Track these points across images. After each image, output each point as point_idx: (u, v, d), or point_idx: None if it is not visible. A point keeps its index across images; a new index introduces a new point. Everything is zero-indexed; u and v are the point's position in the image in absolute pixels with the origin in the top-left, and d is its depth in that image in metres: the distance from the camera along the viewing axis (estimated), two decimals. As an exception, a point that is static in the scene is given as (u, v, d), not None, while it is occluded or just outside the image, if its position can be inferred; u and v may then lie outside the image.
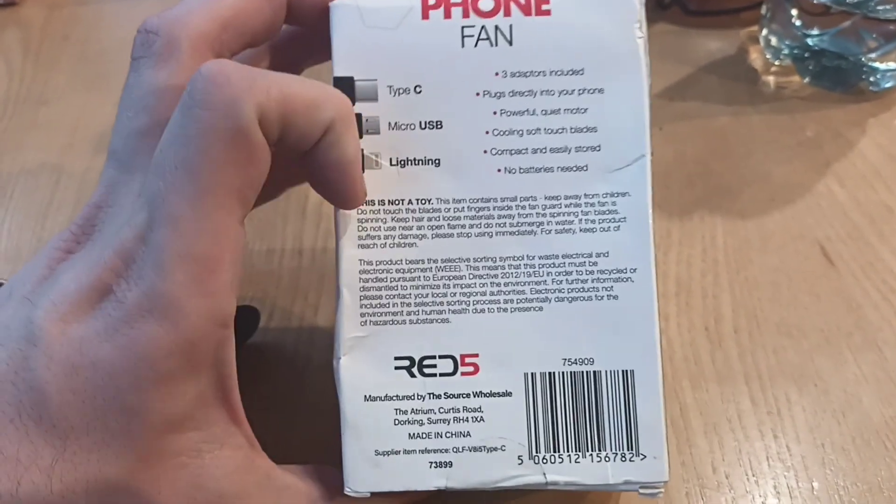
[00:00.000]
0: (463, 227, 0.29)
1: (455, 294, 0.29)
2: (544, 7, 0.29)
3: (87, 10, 0.63)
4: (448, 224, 0.29)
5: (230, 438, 0.27)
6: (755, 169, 0.48)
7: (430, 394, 0.29)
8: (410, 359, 0.29)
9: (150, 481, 0.25)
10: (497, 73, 0.29)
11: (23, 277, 0.26)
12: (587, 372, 0.29)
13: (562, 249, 0.29)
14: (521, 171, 0.29)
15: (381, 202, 0.29)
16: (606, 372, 0.28)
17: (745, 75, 0.55)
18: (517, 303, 0.29)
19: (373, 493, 0.28)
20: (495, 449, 0.28)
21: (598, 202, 0.29)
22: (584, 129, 0.29)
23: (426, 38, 0.29)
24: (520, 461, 0.28)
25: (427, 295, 0.29)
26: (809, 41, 0.51)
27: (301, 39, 0.33)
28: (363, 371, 0.29)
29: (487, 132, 0.29)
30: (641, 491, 0.29)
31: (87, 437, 0.24)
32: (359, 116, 0.28)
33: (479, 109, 0.29)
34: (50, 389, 0.24)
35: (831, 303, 0.41)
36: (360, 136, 0.28)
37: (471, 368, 0.29)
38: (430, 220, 0.29)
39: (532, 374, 0.29)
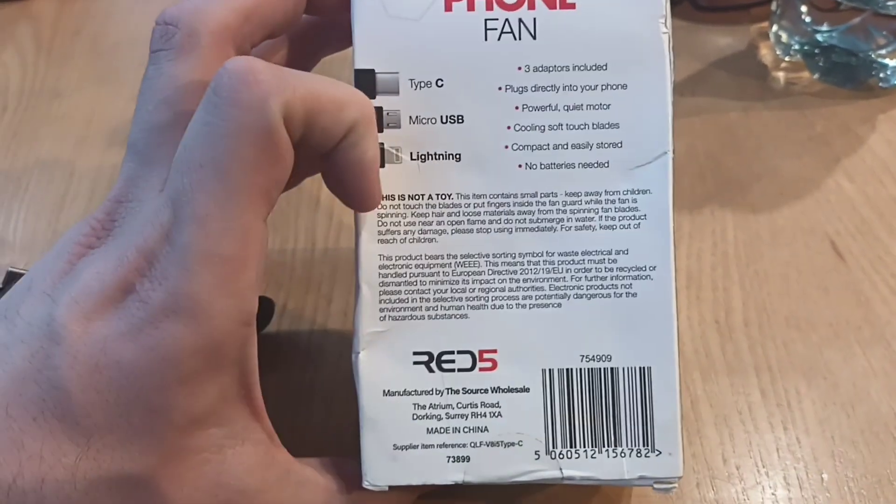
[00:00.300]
0: (483, 222, 0.29)
1: (474, 290, 0.29)
2: (569, 0, 0.28)
3: (99, 3, 0.63)
4: (468, 219, 0.29)
5: (251, 434, 0.27)
6: (765, 164, 0.48)
7: (448, 389, 0.29)
8: (429, 354, 0.29)
9: (174, 478, 0.25)
10: (520, 68, 0.29)
11: (42, 271, 0.26)
12: (605, 369, 0.29)
13: (581, 246, 0.29)
14: (542, 166, 0.29)
15: (402, 197, 0.29)
16: (624, 369, 0.29)
17: (755, 71, 0.55)
18: (536, 299, 0.29)
19: (391, 487, 0.29)
20: (512, 444, 0.29)
21: (619, 199, 0.29)
22: (607, 126, 0.29)
23: (449, 30, 0.28)
24: (536, 456, 0.29)
25: (446, 290, 0.29)
26: (819, 37, 0.51)
27: (319, 28, 0.33)
28: (382, 366, 0.29)
29: (509, 127, 0.29)
30: (656, 486, 0.29)
31: (111, 435, 0.24)
32: (379, 110, 0.28)
33: (500, 104, 0.29)
34: (73, 388, 0.24)
35: (840, 296, 0.41)
36: (381, 130, 0.28)
37: (489, 364, 0.29)
38: (449, 215, 0.29)
39: (550, 370, 0.29)
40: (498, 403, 0.29)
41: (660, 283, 0.29)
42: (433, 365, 0.29)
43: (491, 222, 0.29)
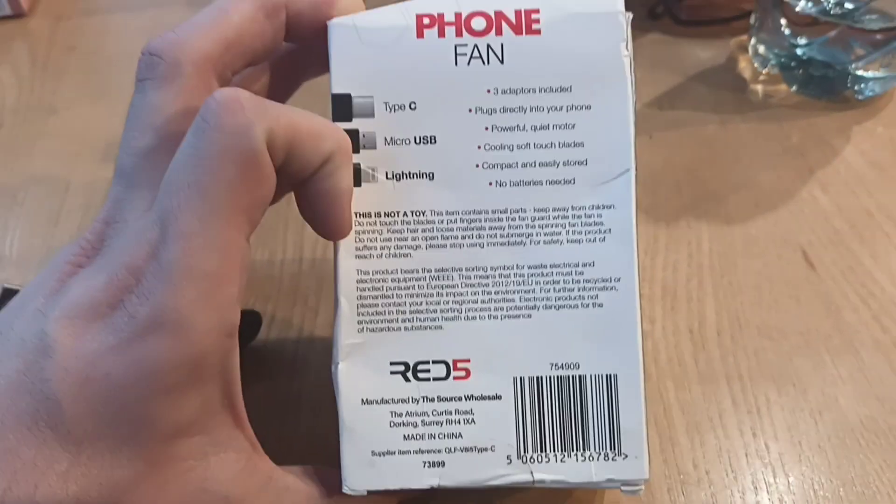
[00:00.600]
0: (456, 238, 0.30)
1: (448, 302, 0.30)
2: (534, 27, 0.30)
3: (93, 21, 0.64)
4: (441, 235, 0.30)
5: (234, 442, 0.28)
6: (741, 176, 0.49)
7: (423, 397, 0.30)
8: (405, 364, 0.30)
9: (159, 484, 0.26)
10: (489, 90, 0.30)
11: (35, 290, 0.27)
12: (573, 376, 0.30)
13: (550, 259, 0.30)
14: (512, 184, 0.30)
15: (378, 214, 0.30)
16: (591, 376, 0.30)
17: (733, 84, 0.56)
18: (507, 310, 0.30)
19: (369, 492, 0.30)
20: (485, 449, 0.30)
21: (585, 214, 0.30)
22: (572, 144, 0.30)
23: (421, 55, 0.30)
24: (508, 461, 0.30)
25: (421, 303, 0.30)
26: (798, 50, 0.52)
27: (298, 56, 0.34)
28: (360, 376, 0.30)
29: (479, 147, 0.30)
30: (623, 488, 0.30)
31: (100, 444, 0.25)
32: (356, 132, 0.29)
33: (471, 125, 0.30)
34: (64, 399, 0.24)
35: (811, 306, 0.42)
36: (357, 151, 0.29)
37: (463, 373, 0.30)
38: (424, 231, 0.30)
39: (521, 378, 0.30)
40: (471, 410, 0.30)
41: (624, 294, 0.30)
42: (409, 374, 0.30)
43: (463, 237, 0.30)
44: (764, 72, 0.56)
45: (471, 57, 0.30)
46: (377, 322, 0.30)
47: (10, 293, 0.37)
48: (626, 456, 0.30)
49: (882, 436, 0.36)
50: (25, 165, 0.52)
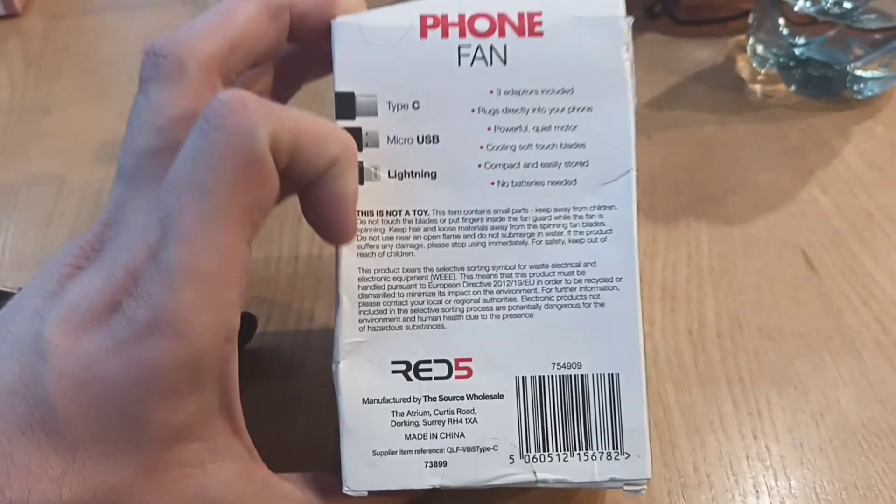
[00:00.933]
0: (458, 237, 0.30)
1: (450, 301, 0.30)
2: (537, 29, 0.30)
3: (88, 21, 0.64)
4: (443, 234, 0.30)
5: (231, 449, 0.28)
6: (740, 176, 0.49)
7: (425, 396, 0.30)
8: (407, 363, 0.30)
9: (155, 490, 0.26)
10: (491, 91, 0.30)
11: (32, 291, 0.27)
12: (575, 375, 0.30)
13: (551, 259, 0.30)
14: (514, 184, 0.30)
15: (380, 213, 0.30)
16: (593, 375, 0.30)
17: (732, 84, 0.56)
18: (509, 309, 0.30)
19: (370, 492, 0.29)
20: (488, 449, 0.30)
21: (587, 215, 0.30)
22: (574, 146, 0.30)
23: (424, 56, 0.30)
24: (511, 460, 0.30)
25: (423, 302, 0.30)
26: (796, 50, 0.52)
27: (301, 56, 0.34)
28: (361, 375, 0.30)
29: (482, 147, 0.30)
30: (626, 488, 0.30)
31: (95, 448, 0.25)
32: (359, 130, 0.29)
33: (474, 125, 0.30)
34: (59, 403, 0.24)
35: (812, 307, 0.42)
36: (360, 150, 0.29)
37: (464, 372, 0.30)
38: (426, 230, 0.30)
39: (523, 377, 0.30)
40: (473, 410, 0.30)
41: (626, 294, 0.30)
42: (411, 373, 0.30)
43: (465, 237, 0.30)
44: (762, 72, 0.56)
45: (474, 58, 0.30)
46: (379, 321, 0.30)
47: (3, 295, 0.36)
48: (629, 455, 0.30)
49: (884, 438, 0.36)
50: (19, 166, 0.52)
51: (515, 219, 0.30)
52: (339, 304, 0.30)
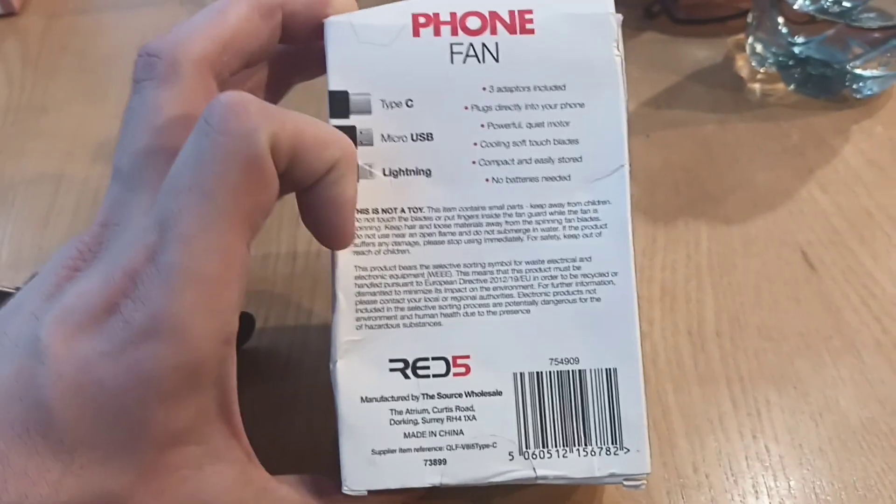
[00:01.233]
0: (453, 234, 0.30)
1: (446, 298, 0.30)
2: (528, 26, 0.30)
3: (85, 19, 0.64)
4: (439, 231, 0.30)
5: (229, 452, 0.28)
6: (740, 175, 0.49)
7: (423, 394, 0.30)
8: (404, 361, 0.30)
9: (153, 493, 0.26)
10: (484, 88, 0.30)
11: (30, 293, 0.27)
12: (573, 371, 0.30)
13: (547, 255, 0.30)
14: (508, 180, 0.30)
15: (375, 210, 0.30)
16: (591, 370, 0.30)
17: (731, 83, 0.56)
18: (506, 306, 0.30)
19: (370, 491, 0.29)
20: (487, 446, 0.29)
21: (581, 210, 0.30)
22: (567, 142, 0.30)
23: (417, 54, 0.30)
24: (510, 457, 0.29)
25: (420, 299, 0.30)
26: (796, 49, 0.52)
27: (294, 56, 0.34)
28: (359, 373, 0.29)
29: (475, 144, 0.30)
30: (625, 483, 0.30)
31: (93, 452, 0.24)
32: (353, 129, 0.29)
33: (467, 122, 0.30)
34: (56, 406, 0.24)
35: (811, 307, 0.42)
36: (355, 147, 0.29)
37: (462, 369, 0.30)
38: (421, 227, 0.30)
39: (521, 373, 0.30)
40: (472, 407, 0.30)
41: (622, 288, 0.30)
42: (409, 371, 0.30)
43: (461, 234, 0.30)
44: (762, 71, 0.56)
45: (466, 55, 0.30)
46: (376, 319, 0.30)
47: (1, 296, 0.36)
48: (628, 450, 0.30)
49: (884, 438, 0.36)
50: (17, 164, 0.51)
51: (510, 215, 0.30)
52: (335, 302, 0.30)
